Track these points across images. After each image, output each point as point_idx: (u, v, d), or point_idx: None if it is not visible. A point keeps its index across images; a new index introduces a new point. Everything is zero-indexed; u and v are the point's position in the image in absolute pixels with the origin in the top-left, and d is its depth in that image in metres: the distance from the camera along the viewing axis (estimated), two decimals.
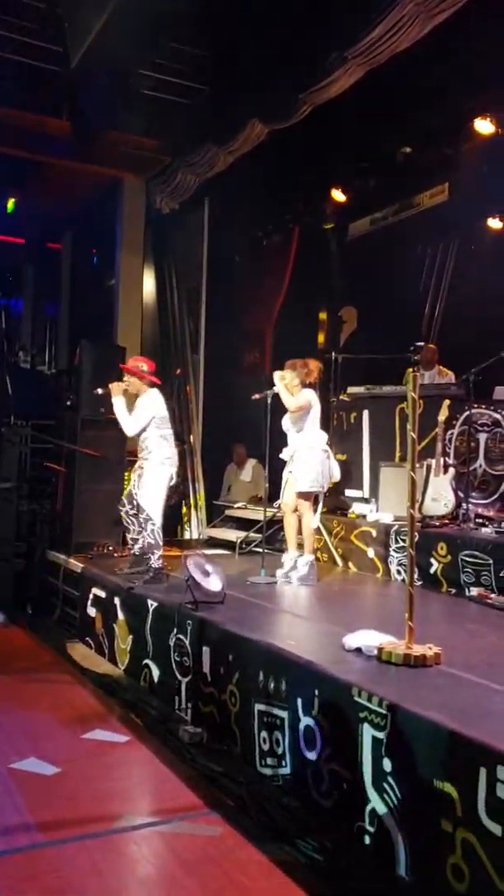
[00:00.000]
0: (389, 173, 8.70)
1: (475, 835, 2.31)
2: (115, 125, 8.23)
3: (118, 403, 5.68)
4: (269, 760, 3.46)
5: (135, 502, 5.65)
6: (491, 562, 4.94)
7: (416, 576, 5.01)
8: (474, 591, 4.94)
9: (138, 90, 7.82)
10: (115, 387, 5.71)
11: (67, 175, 9.41)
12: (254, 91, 7.09)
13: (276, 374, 5.75)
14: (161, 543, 5.63)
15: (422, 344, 3.74)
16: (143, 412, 5.66)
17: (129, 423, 5.67)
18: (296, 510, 5.65)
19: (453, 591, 5.19)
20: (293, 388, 5.66)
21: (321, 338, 10.78)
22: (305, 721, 3.20)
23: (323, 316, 10.88)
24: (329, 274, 10.45)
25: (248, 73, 7.15)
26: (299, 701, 3.25)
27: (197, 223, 9.82)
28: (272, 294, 10.53)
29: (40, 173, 9.33)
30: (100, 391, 6.11)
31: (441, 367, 7.49)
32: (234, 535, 7.50)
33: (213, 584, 4.67)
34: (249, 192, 8.93)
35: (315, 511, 5.78)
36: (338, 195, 9.31)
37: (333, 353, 8.15)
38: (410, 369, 3.68)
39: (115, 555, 6.70)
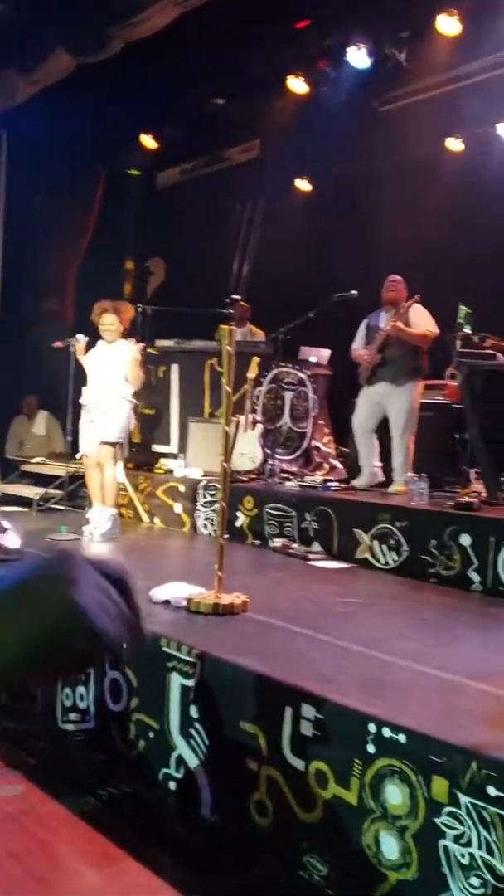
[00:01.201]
0: (201, 124, 8.60)
1: (279, 771, 2.40)
2: None
3: None
4: (72, 716, 3.39)
5: None
6: (294, 514, 5.14)
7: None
8: (278, 542, 5.11)
9: None
10: None
11: None
12: (60, 17, 6.64)
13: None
14: None
15: (238, 297, 3.74)
16: None
17: None
18: (98, 463, 5.50)
19: (258, 542, 5.34)
20: (116, 333, 5.48)
21: (128, 288, 10.55)
22: (112, 674, 3.15)
23: (129, 266, 10.64)
24: (136, 223, 10.21)
25: None
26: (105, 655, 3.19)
27: None
28: (75, 241, 10.11)
29: None
30: None
31: (252, 326, 7.60)
32: (31, 491, 7.17)
33: (11, 540, 4.45)
34: (53, 129, 8.44)
35: (117, 463, 5.65)
36: (148, 141, 9.07)
37: (141, 305, 7.99)
38: (225, 324, 3.67)
39: None
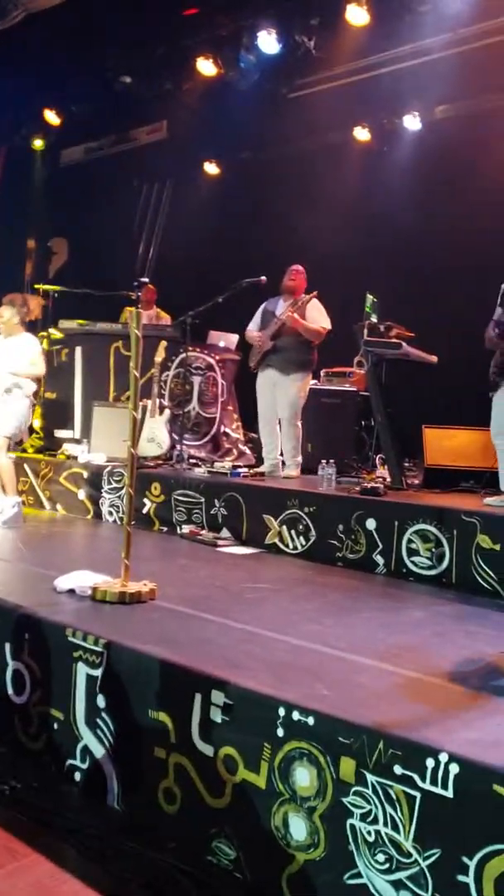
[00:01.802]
0: (107, 101, 8.39)
1: (188, 757, 2.38)
2: None
3: None
4: None
5: None
6: (202, 500, 5.11)
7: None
8: (186, 529, 5.08)
9: None
10: None
11: None
12: None
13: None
14: None
15: (146, 280, 3.67)
16: None
17: None
18: None
19: (165, 529, 5.29)
20: (13, 327, 5.36)
21: (28, 268, 10.25)
22: (14, 665, 3.05)
23: (31, 245, 10.33)
24: (39, 200, 9.91)
25: None
26: (7, 646, 3.09)
27: None
28: None
29: None
30: None
31: (159, 310, 7.51)
32: None
33: None
34: None
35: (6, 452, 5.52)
36: (51, 117, 8.79)
37: (48, 288, 7.75)
38: (131, 307, 3.60)
39: None
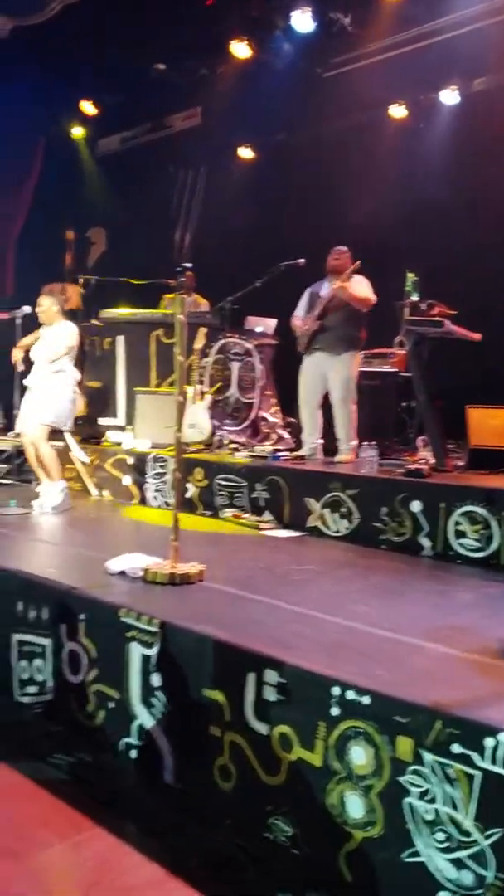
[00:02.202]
0: (142, 90, 8.40)
1: (243, 735, 2.41)
2: None
3: None
4: (29, 689, 3.35)
5: None
6: (244, 484, 5.14)
7: (171, 500, 5.10)
8: (228, 513, 5.11)
9: None
10: None
11: None
12: None
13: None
14: None
15: (188, 266, 3.67)
16: None
17: None
18: (32, 442, 5.44)
19: (209, 513, 5.33)
20: (52, 316, 5.42)
21: (68, 258, 10.32)
22: (70, 646, 3.12)
23: (70, 236, 10.40)
24: (77, 191, 9.98)
25: None
26: (63, 627, 3.15)
27: None
28: (14, 210, 9.84)
29: None
30: None
31: (197, 296, 7.52)
32: None
33: None
34: None
35: (53, 441, 5.59)
36: (88, 108, 8.82)
37: (88, 277, 7.83)
38: (173, 293, 3.62)
39: None
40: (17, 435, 5.63)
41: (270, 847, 2.31)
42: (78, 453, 5.81)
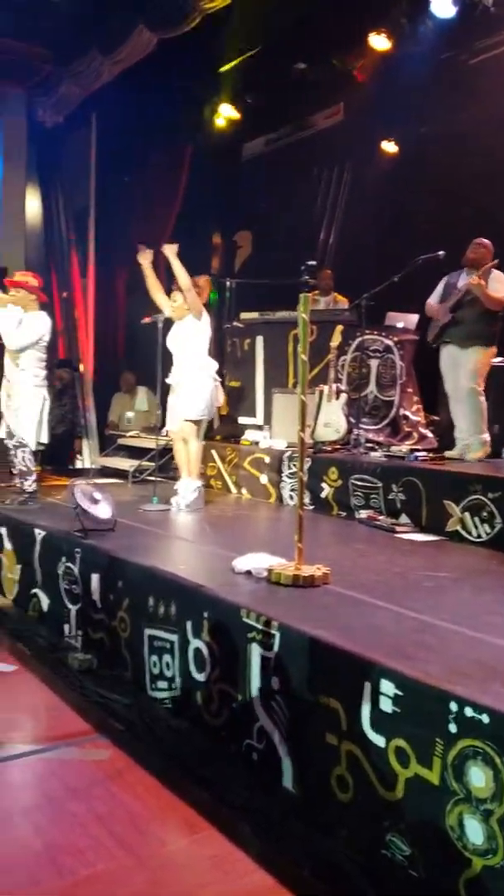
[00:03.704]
0: (284, 91, 8.42)
1: (359, 746, 2.34)
2: None
3: (3, 315, 5.50)
4: (159, 684, 3.44)
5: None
6: (380, 485, 5.02)
7: (307, 500, 5.08)
8: (364, 514, 5.01)
9: None
10: (1, 298, 5.53)
11: None
12: None
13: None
14: (32, 469, 5.62)
15: (314, 263, 3.64)
16: (31, 330, 5.49)
17: (15, 337, 5.45)
18: (182, 438, 5.58)
19: (343, 514, 5.26)
20: (185, 311, 5.56)
21: (215, 262, 10.54)
22: (195, 643, 3.17)
23: (217, 240, 10.62)
24: (222, 196, 10.16)
25: None
26: (189, 624, 3.21)
27: (84, 141, 9.31)
28: (163, 216, 10.15)
29: None
30: None
31: (337, 295, 7.46)
32: (126, 463, 7.37)
33: (102, 511, 4.55)
34: (138, 107, 8.47)
35: (200, 436, 5.71)
36: (231, 112, 8.95)
37: (228, 280, 7.97)
38: (304, 292, 3.59)
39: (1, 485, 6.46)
40: (166, 433, 5.82)
41: (388, 865, 2.23)
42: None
